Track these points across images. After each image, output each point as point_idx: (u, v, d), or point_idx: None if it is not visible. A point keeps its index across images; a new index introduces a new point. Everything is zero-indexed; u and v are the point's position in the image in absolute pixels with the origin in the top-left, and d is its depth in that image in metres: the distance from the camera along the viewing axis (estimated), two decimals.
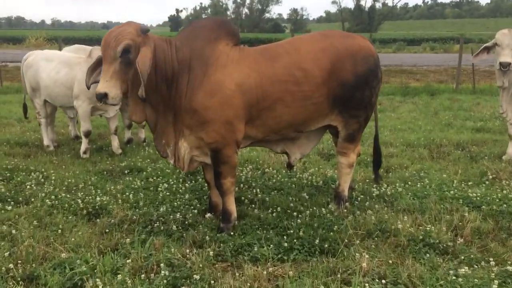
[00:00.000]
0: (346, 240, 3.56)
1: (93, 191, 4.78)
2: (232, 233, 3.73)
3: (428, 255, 3.37)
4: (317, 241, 3.53)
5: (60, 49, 9.35)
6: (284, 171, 5.43)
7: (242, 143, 3.89)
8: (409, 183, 4.98)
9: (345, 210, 4.16)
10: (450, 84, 14.48)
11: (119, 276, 3.03)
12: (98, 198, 4.48)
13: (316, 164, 5.83)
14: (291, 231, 3.70)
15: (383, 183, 4.90)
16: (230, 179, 3.82)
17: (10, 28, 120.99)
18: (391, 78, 16.20)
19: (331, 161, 6.01)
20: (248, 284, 3.03)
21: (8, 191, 4.76)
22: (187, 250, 3.44)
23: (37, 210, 4.25)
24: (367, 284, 2.98)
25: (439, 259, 3.32)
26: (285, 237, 3.63)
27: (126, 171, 5.55)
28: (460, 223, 3.85)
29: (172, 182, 5.02)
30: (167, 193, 4.67)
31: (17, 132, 7.84)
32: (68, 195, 4.62)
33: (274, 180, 5.10)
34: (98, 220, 4.06)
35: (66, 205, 4.33)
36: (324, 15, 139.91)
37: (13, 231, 3.75)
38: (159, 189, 4.80)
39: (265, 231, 3.75)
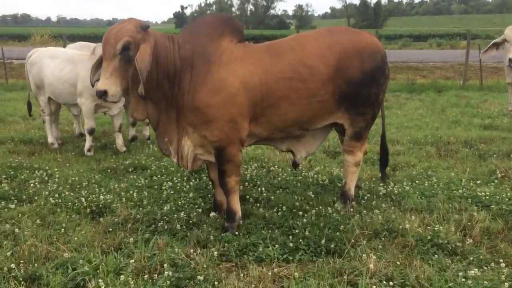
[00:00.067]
0: (352, 240, 3.50)
1: (97, 189, 4.75)
2: (236, 233, 3.69)
3: (436, 256, 3.30)
4: (323, 241, 3.47)
5: (64, 46, 9.32)
6: (289, 170, 5.37)
7: (246, 141, 3.83)
8: (417, 181, 4.91)
9: (352, 209, 4.10)
10: (457, 80, 14.35)
11: (122, 277, 3.00)
12: (101, 197, 4.44)
13: (322, 162, 5.77)
14: (297, 231, 3.65)
15: (390, 181, 4.83)
16: (235, 177, 3.77)
17: (16, 25, 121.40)
18: (397, 74, 16.05)
19: (337, 159, 5.94)
20: (253, 285, 2.98)
21: (12, 189, 4.74)
22: (191, 250, 3.39)
23: (40, 208, 4.22)
24: (374, 286, 2.92)
25: (448, 260, 3.26)
26: (290, 236, 3.57)
27: (130, 169, 5.52)
28: (469, 223, 3.78)
29: (176, 181, 4.98)
30: (171, 192, 4.62)
31: (21, 129, 7.83)
32: (71, 194, 4.59)
33: (279, 179, 5.05)
34: (101, 219, 4.03)
35: (70, 203, 4.31)
36: (329, 11, 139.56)
37: (16, 230, 3.73)
38: (163, 187, 4.76)
39: (270, 231, 3.70)
